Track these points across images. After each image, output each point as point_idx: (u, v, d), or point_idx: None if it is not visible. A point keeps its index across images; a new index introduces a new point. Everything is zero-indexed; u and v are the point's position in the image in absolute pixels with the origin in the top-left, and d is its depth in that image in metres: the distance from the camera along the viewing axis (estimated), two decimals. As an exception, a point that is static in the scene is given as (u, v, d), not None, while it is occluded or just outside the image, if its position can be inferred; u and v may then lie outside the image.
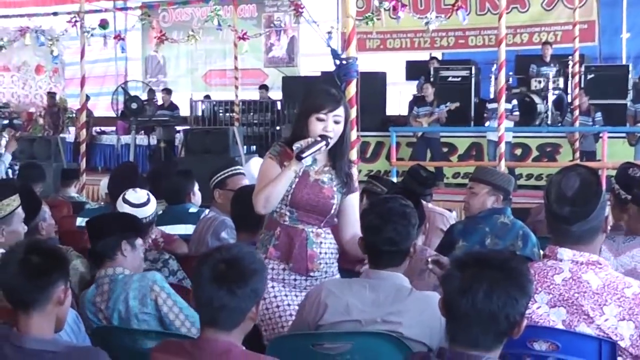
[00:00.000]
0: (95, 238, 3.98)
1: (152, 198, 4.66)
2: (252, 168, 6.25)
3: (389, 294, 3.29)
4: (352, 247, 3.91)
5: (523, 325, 2.47)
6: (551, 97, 14.66)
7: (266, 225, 4.05)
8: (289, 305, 3.90)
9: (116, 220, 4.11)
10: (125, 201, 4.55)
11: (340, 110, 3.90)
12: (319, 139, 3.85)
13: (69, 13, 13.75)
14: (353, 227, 3.97)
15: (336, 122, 3.89)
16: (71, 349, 2.92)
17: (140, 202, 4.57)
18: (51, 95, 18.91)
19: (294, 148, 3.85)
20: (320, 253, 3.95)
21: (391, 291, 3.30)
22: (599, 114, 13.70)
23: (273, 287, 3.90)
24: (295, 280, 3.95)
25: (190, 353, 2.72)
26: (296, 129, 3.97)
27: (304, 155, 3.78)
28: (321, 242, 3.96)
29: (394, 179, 11.73)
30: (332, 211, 3.95)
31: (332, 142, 3.90)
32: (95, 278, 3.97)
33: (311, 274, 3.92)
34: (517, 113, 13.63)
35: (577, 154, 13.40)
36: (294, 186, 3.89)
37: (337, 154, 3.98)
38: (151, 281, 3.80)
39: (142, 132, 17.36)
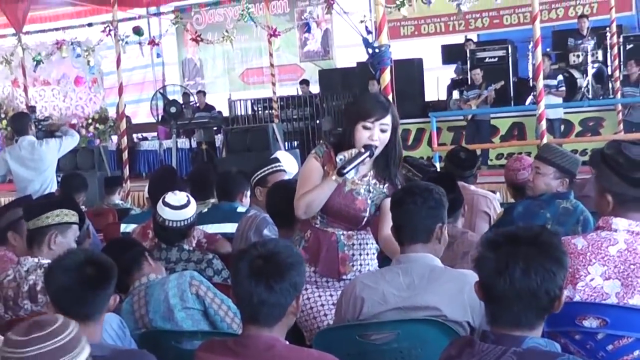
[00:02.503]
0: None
1: (192, 200, 4.66)
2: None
3: (423, 276, 3.27)
4: (385, 245, 3.87)
5: (563, 298, 2.42)
6: (591, 71, 14.48)
7: (299, 226, 4.04)
8: (322, 305, 3.90)
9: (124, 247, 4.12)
10: (166, 204, 4.56)
11: (388, 119, 3.82)
12: (362, 150, 3.79)
13: (103, 23, 13.85)
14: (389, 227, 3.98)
15: (383, 131, 3.82)
16: (118, 352, 2.93)
17: (181, 204, 4.58)
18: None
19: (337, 160, 3.80)
20: (354, 255, 3.93)
21: (425, 272, 3.28)
22: None
23: (306, 288, 3.87)
24: (327, 282, 3.94)
25: (234, 351, 2.71)
26: (343, 135, 3.92)
27: (345, 170, 3.75)
28: (353, 244, 3.93)
29: (437, 164, 11.69)
30: (363, 222, 3.91)
31: (377, 152, 3.84)
32: (128, 292, 3.97)
33: (344, 276, 3.90)
34: (562, 89, 13.50)
35: (621, 126, 13.20)
36: None
37: (386, 163, 3.92)
38: (189, 277, 3.82)
39: (183, 135, 17.45)
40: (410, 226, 3.35)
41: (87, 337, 2.67)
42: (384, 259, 4.05)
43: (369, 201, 3.90)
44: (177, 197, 4.62)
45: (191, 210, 4.59)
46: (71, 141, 8.77)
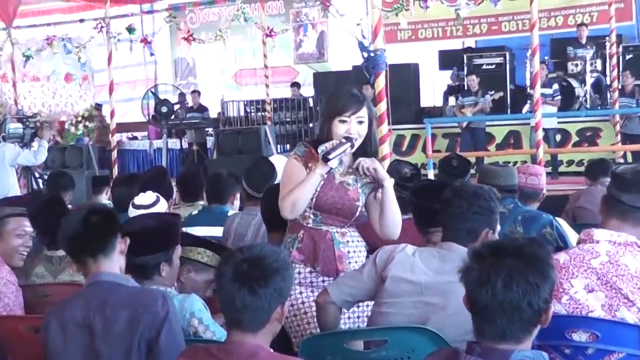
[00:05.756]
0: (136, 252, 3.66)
1: (162, 199, 4.70)
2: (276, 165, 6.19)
3: (455, 265, 3.23)
4: (387, 231, 3.96)
5: (550, 312, 2.40)
6: (589, 80, 14.50)
7: (289, 228, 4.04)
8: (315, 301, 3.86)
9: (157, 232, 3.73)
10: (135, 206, 4.59)
11: (364, 112, 3.92)
12: (343, 140, 3.87)
13: (95, 19, 13.85)
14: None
15: (359, 123, 3.92)
16: (141, 288, 3.28)
17: (150, 202, 4.60)
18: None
19: (319, 151, 3.87)
20: (349, 252, 3.95)
21: (457, 262, 3.24)
22: None
23: (301, 292, 3.91)
24: (323, 282, 3.94)
25: (217, 357, 2.70)
26: (320, 132, 4.00)
27: (330, 157, 3.80)
28: (348, 242, 3.97)
29: (431, 172, 11.70)
30: (357, 213, 3.95)
31: (357, 144, 3.92)
32: None
33: (342, 274, 3.89)
34: (558, 98, 13.46)
35: (619, 137, 13.24)
36: (318, 189, 3.90)
37: (364, 155, 3.96)
38: (189, 312, 3.55)
39: (174, 135, 17.43)
40: (453, 229, 3.43)
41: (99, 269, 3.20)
42: (373, 251, 4.08)
43: (360, 190, 3.96)
44: (145, 197, 4.66)
45: (161, 208, 4.59)
46: (31, 158, 8.91)
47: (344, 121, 3.89)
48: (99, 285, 3.17)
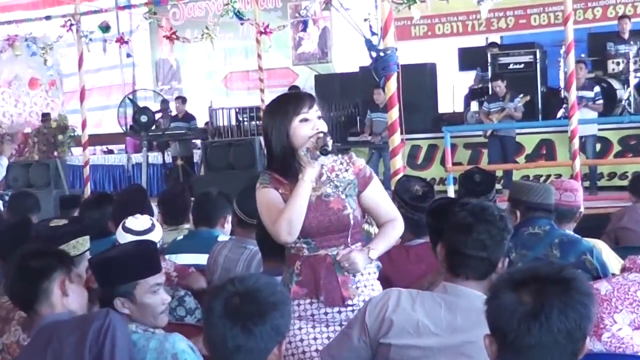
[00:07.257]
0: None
1: (157, 224, 4.66)
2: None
3: (468, 317, 3.20)
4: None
5: (587, 343, 2.37)
6: (633, 81, 14.45)
7: (286, 262, 4.03)
8: (315, 339, 3.88)
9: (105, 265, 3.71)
10: (127, 230, 4.55)
11: (317, 106, 3.95)
12: (320, 134, 3.86)
13: (63, 16, 13.87)
14: (388, 214, 4.05)
15: (319, 118, 3.93)
16: (86, 313, 3.53)
17: (143, 229, 4.57)
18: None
19: (301, 154, 3.86)
20: (355, 276, 3.92)
21: (470, 314, 3.20)
22: None
23: (300, 328, 3.89)
24: (326, 314, 3.92)
25: (204, 406, 2.70)
26: (277, 149, 3.94)
27: (329, 148, 3.82)
28: None
29: (451, 188, 11.69)
30: (351, 221, 3.93)
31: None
32: None
33: (348, 302, 3.89)
34: (600, 101, 13.39)
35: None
36: None
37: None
38: (171, 354, 3.49)
39: (156, 148, 17.43)
40: (474, 261, 3.30)
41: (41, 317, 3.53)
42: (385, 280, 4.11)
43: (343, 196, 3.95)
44: (139, 221, 4.62)
45: (156, 236, 4.59)
46: None
47: (305, 120, 3.89)
48: (43, 328, 3.39)
